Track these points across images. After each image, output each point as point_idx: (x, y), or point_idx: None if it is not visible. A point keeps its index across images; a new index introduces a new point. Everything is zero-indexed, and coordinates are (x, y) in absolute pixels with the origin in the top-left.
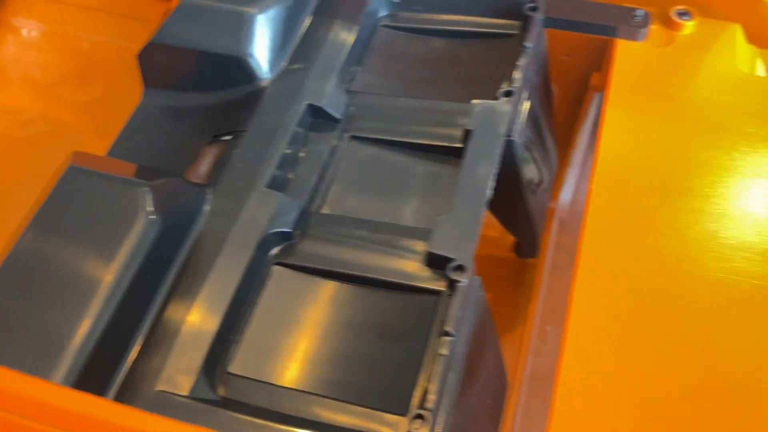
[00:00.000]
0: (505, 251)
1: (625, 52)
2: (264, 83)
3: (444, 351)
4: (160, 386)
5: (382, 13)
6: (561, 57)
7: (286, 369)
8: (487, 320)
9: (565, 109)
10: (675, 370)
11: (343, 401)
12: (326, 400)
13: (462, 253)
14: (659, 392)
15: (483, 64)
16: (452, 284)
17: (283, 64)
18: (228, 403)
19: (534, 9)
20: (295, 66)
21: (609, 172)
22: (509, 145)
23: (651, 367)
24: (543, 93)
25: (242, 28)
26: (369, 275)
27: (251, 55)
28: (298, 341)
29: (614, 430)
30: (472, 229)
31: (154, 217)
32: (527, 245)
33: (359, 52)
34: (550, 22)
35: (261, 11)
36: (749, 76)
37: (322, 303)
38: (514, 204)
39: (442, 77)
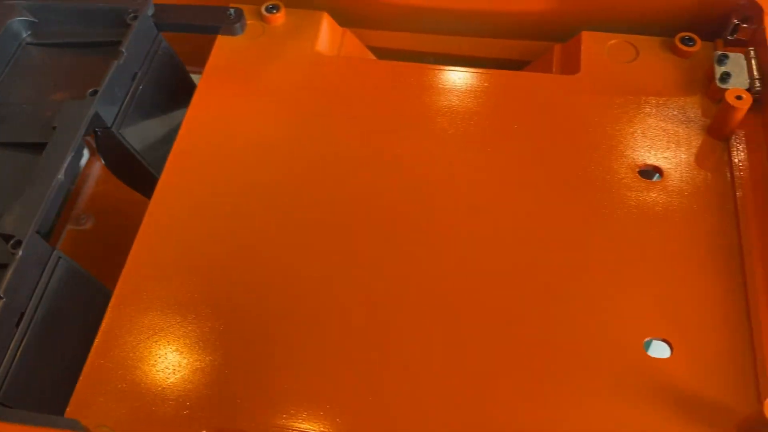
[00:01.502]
0: None
1: (221, 46)
2: None
3: None
4: None
5: (25, 33)
6: None
7: None
8: (80, 281)
9: None
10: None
11: None
12: None
13: (20, 230)
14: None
15: (101, 69)
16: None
17: None
18: None
19: (134, 18)
20: None
21: (185, 150)
22: (109, 135)
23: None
24: (170, 88)
25: None
26: None
27: None
28: None
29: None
30: (33, 210)
31: None
32: None
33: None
34: (164, 27)
35: None
36: (323, 57)
37: None
38: (149, 183)
39: (68, 84)
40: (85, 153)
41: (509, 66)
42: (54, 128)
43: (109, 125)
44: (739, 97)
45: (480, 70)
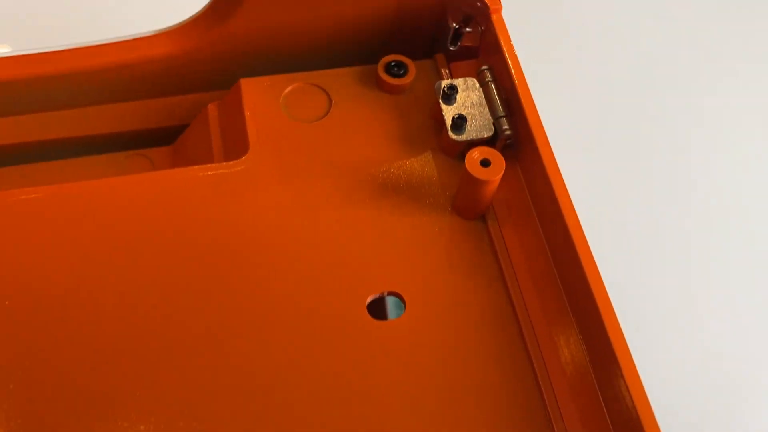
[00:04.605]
0: None
1: None
2: None
3: None
4: None
5: None
6: None
7: None
8: None
9: None
10: None
11: None
12: None
13: None
14: None
15: None
16: None
17: None
18: None
19: None
20: None
21: None
22: None
23: None
24: None
25: None
26: None
27: None
28: None
29: None
30: None
31: None
32: None
33: None
34: None
35: None
36: None
37: None
38: None
39: None
40: None
41: (155, 134)
42: None
43: None
44: (485, 163)
45: (110, 180)
